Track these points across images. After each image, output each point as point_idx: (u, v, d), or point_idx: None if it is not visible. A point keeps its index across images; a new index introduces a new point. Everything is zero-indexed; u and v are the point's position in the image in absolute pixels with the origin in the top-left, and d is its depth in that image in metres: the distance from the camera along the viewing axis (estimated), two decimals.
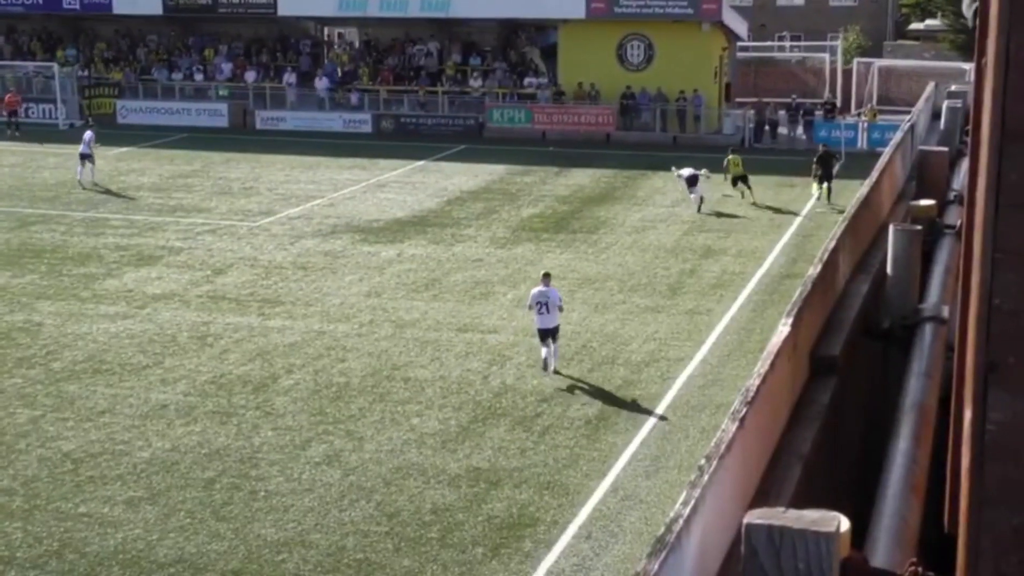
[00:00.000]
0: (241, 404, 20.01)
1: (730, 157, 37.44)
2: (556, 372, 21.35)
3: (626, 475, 17.24)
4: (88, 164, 39.38)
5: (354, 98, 53.32)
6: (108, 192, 39.28)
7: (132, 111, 54.71)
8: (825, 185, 36.93)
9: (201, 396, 20.40)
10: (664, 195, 38.37)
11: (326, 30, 62.04)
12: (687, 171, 35.47)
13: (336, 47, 60.32)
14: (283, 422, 19.22)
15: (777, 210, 36.11)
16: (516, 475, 17.21)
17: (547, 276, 22.09)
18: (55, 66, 54.86)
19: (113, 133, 51.44)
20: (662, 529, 2.98)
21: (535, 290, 21.72)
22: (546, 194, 38.88)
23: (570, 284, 27.43)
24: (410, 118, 51.88)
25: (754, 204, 36.50)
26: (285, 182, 40.89)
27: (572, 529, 15.56)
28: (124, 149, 47.87)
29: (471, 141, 48.91)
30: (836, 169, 37.75)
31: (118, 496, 16.54)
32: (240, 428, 18.96)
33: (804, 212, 36.11)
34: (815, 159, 37.67)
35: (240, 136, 50.93)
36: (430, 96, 52.78)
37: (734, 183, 37.09)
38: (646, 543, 14.92)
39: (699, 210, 35.27)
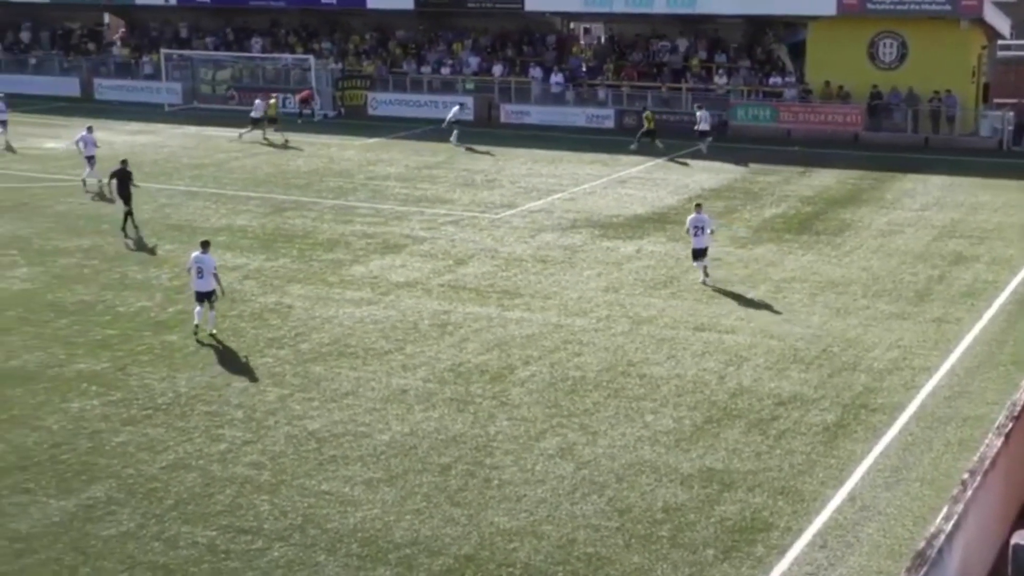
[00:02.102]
0: (478, 393, 20.37)
1: (646, 114, 46.84)
2: (704, 283, 26.87)
3: (865, 485, 16.76)
4: None
5: (600, 94, 53.51)
6: None
7: (382, 103, 56.36)
8: None
9: (440, 383, 20.86)
10: (913, 198, 37.14)
11: (571, 25, 62.45)
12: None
13: (581, 42, 60.62)
14: (518, 413, 19.47)
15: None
16: (750, 478, 16.96)
17: (699, 206, 27.77)
18: (311, 59, 56.95)
19: (364, 124, 53.22)
20: (922, 543, 2.87)
21: (691, 216, 27.16)
22: (789, 194, 38.14)
23: (811, 287, 26.86)
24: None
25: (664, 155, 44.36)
26: (527, 175, 41.37)
27: (806, 537, 15.22)
28: (374, 140, 49.41)
29: (714, 138, 48.38)
30: None
31: (358, 476, 17.08)
32: (476, 416, 19.30)
33: None
34: None
35: (485, 129, 51.77)
36: (673, 93, 52.47)
37: (647, 136, 45.70)
38: (884, 556, 14.49)
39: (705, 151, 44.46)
